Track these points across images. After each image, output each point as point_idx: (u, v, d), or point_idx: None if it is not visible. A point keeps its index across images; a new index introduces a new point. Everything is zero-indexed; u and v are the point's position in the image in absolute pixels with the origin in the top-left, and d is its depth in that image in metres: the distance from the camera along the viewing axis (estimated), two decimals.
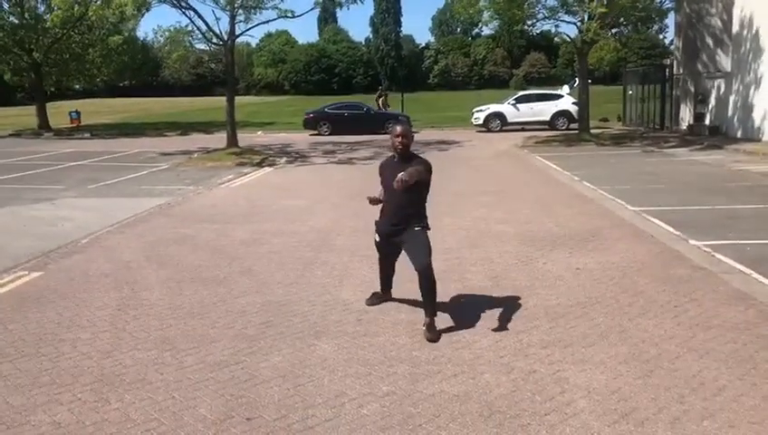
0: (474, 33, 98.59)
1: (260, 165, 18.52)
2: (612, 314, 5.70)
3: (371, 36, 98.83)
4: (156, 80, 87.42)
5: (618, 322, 5.49)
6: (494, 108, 30.33)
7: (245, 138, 26.40)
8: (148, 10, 24.06)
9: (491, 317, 5.66)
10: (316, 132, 29.94)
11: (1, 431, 3.88)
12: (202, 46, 26.85)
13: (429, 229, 5.48)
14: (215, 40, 22.73)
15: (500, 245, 8.37)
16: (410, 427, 3.84)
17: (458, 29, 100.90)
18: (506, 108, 29.97)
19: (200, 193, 13.57)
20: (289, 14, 23.45)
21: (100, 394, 4.32)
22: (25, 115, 40.90)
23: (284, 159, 20.42)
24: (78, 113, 36.79)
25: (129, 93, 77.30)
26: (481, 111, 30.35)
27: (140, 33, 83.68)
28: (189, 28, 22.55)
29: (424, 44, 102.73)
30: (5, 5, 33.21)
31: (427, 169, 5.29)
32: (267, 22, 23.99)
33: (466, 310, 5.86)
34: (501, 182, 14.36)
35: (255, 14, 22.74)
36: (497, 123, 29.60)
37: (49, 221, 10.38)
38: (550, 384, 4.36)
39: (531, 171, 16.19)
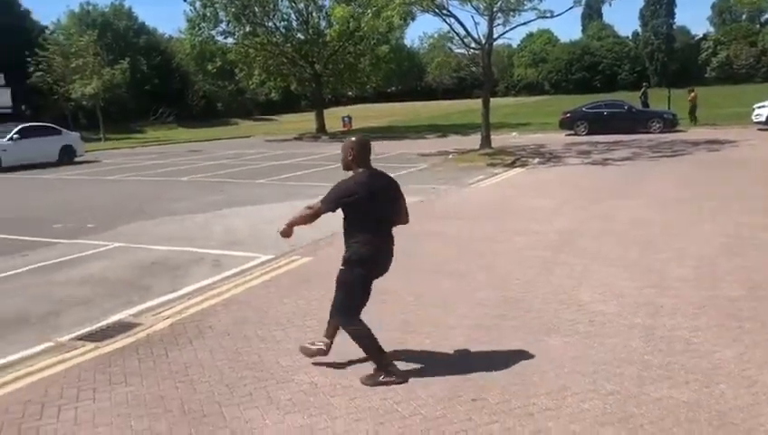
0: (763, 19, 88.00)
1: (511, 165, 18.77)
2: None
3: (639, 30, 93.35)
4: (420, 84, 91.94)
5: None
6: None
7: (500, 139, 26.86)
8: (413, 19, 25.74)
9: (738, 328, 5.30)
10: (572, 132, 29.34)
11: (271, 385, 4.67)
12: (461, 51, 27.90)
13: None
14: (473, 44, 23.51)
15: (764, 254, 7.64)
16: (630, 426, 3.85)
17: (743, 16, 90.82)
18: None
19: (452, 192, 14.26)
20: (548, 15, 23.42)
21: (343, 370, 4.95)
22: (306, 121, 45.93)
23: (536, 159, 20.42)
24: (349, 118, 40.41)
25: (395, 98, 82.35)
26: (764, 106, 27.15)
27: (407, 41, 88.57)
28: (450, 35, 23.67)
29: (701, 35, 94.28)
30: (294, 24, 37.72)
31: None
32: (526, 23, 24.31)
33: (711, 319, 5.55)
34: None
35: (514, 16, 23.10)
36: None
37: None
38: None
39: None
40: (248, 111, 67.27)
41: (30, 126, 26.09)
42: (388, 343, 5.34)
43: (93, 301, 7.16)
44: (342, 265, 4.73)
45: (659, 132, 27.74)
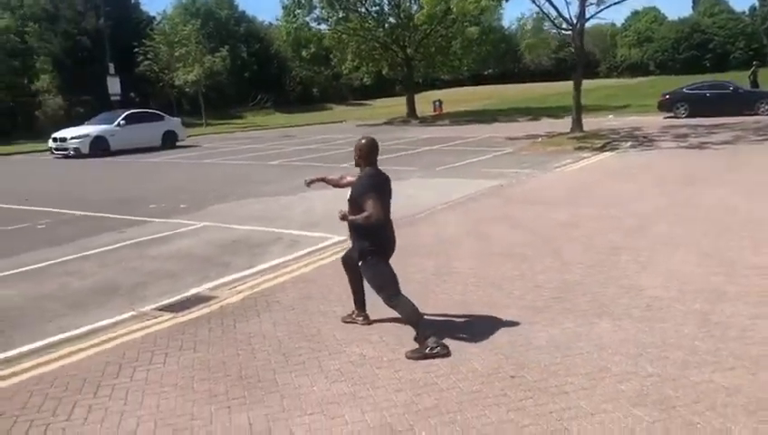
0: None
1: (601, 149, 18.30)
2: None
3: (757, 4, 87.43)
4: (517, 66, 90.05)
5: None
6: None
7: (594, 121, 26.17)
8: (507, 0, 25.40)
9: None
10: (671, 115, 28.13)
11: (324, 356, 4.97)
12: (554, 31, 27.27)
13: None
14: (564, 25, 22.96)
15: None
16: (663, 407, 3.87)
17: None
18: None
19: (534, 176, 14.13)
20: None
21: (393, 344, 5.18)
22: (398, 105, 46.23)
23: (629, 143, 19.79)
24: (440, 102, 40.35)
25: (491, 81, 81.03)
26: None
27: (505, 23, 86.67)
28: (541, 15, 23.21)
29: None
30: (386, 8, 38.02)
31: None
32: (620, 2, 23.38)
33: None
34: None
35: None
36: None
37: (395, 198, 11.96)
38: None
39: None
40: (343, 96, 68.36)
41: (135, 112, 27.79)
42: (441, 320, 5.55)
43: (178, 275, 7.72)
44: (358, 260, 5.18)
45: None
